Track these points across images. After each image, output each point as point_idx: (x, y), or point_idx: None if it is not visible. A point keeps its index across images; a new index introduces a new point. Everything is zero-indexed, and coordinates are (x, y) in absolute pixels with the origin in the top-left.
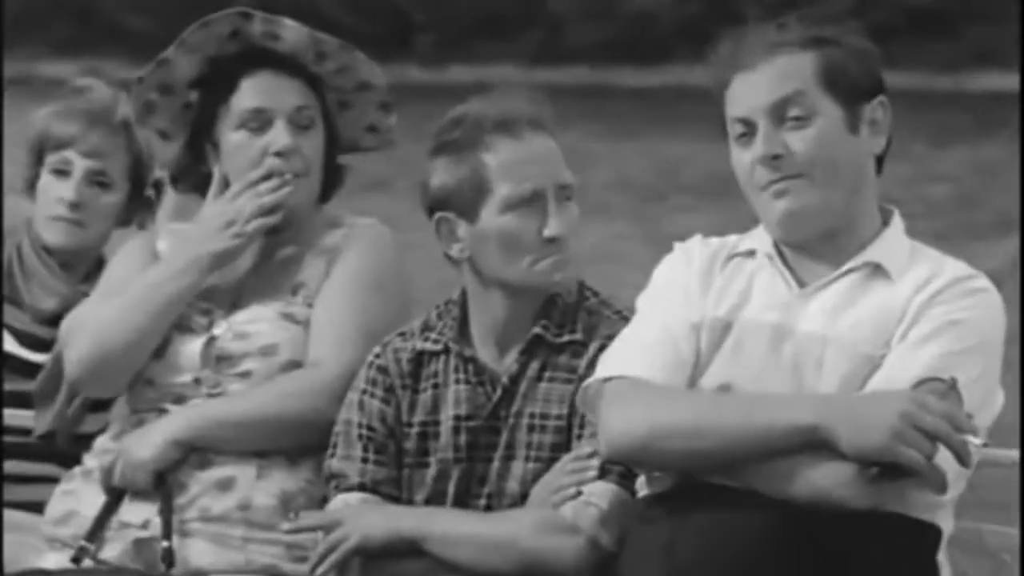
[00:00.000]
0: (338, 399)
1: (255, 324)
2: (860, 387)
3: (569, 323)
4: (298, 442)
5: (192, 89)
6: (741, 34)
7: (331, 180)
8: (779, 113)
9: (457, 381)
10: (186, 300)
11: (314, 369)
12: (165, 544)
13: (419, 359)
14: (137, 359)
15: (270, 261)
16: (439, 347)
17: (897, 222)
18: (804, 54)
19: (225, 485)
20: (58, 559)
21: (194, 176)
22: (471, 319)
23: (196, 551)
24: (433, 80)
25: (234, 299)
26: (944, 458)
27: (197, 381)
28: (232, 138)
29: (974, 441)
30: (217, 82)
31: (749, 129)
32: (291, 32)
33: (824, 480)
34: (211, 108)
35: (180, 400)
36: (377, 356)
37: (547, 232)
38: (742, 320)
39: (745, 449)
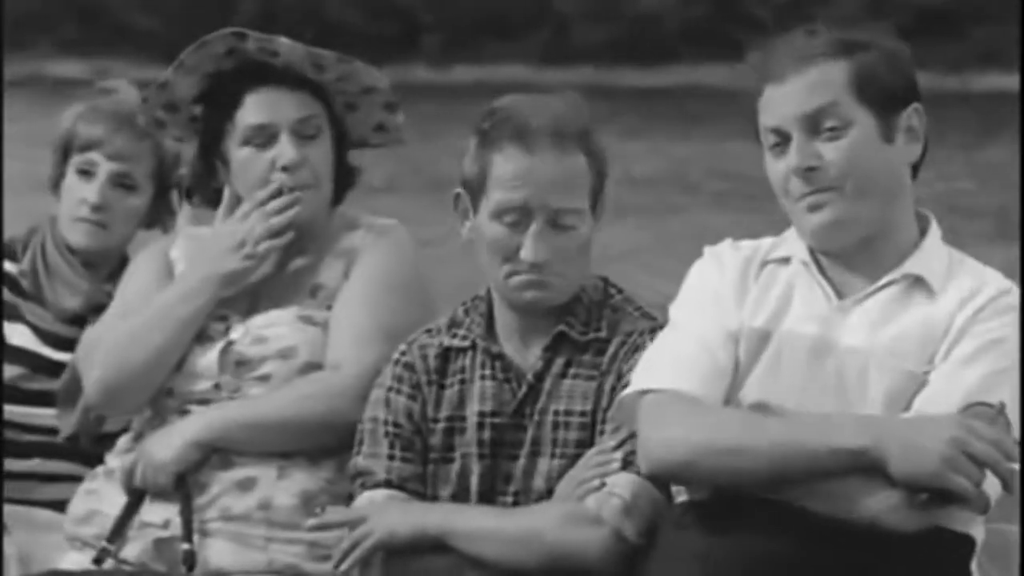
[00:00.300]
0: (357, 401)
1: (273, 328)
2: (905, 405)
3: (594, 321)
4: (317, 444)
5: (196, 104)
6: (771, 43)
7: (343, 181)
8: (813, 124)
9: (483, 377)
10: (200, 321)
11: (333, 372)
12: (186, 546)
13: (446, 355)
14: (154, 380)
15: (287, 265)
16: (466, 343)
17: (935, 230)
18: (836, 63)
19: (246, 485)
20: (79, 559)
21: (206, 190)
22: (496, 316)
23: (217, 551)
24: (439, 80)
25: (251, 304)
26: (990, 483)
27: (217, 387)
28: (239, 154)
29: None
30: (220, 97)
31: (782, 139)
32: (286, 48)
33: (875, 505)
34: (216, 124)
35: (202, 405)
36: (403, 353)
37: (522, 254)
38: (781, 331)
39: (791, 470)
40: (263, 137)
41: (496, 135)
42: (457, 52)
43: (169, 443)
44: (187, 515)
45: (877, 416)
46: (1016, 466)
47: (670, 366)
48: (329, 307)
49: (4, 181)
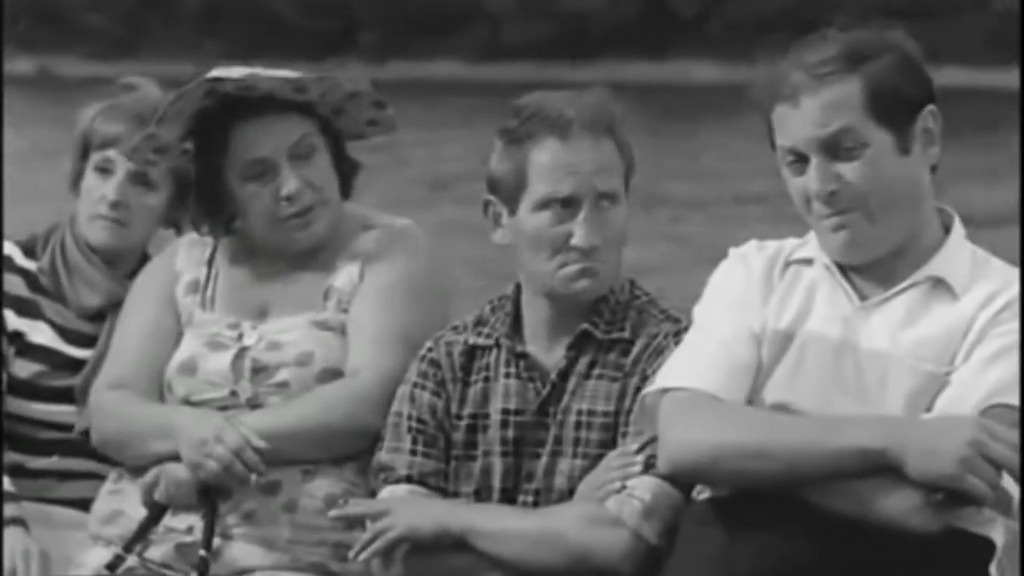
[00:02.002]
0: (378, 407)
1: (288, 333)
2: (926, 405)
3: (618, 321)
4: (339, 452)
5: (184, 142)
6: (780, 59)
7: (347, 176)
8: (830, 147)
9: (507, 376)
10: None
11: (353, 378)
12: (202, 553)
13: (471, 353)
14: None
15: (299, 268)
16: (491, 341)
17: (958, 228)
18: (849, 80)
19: (270, 489)
20: (104, 555)
21: (216, 223)
22: (524, 314)
23: (243, 552)
24: (376, 76)
25: (261, 309)
26: (1011, 481)
27: (234, 394)
28: (243, 191)
29: None
30: (209, 135)
31: (799, 158)
32: (265, 82)
33: (895, 506)
34: (211, 160)
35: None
36: (429, 350)
37: (574, 241)
38: (803, 333)
39: (810, 471)
40: (262, 169)
41: (530, 130)
42: (393, 49)
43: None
44: (209, 523)
45: (895, 417)
46: None
47: (692, 365)
48: (344, 310)
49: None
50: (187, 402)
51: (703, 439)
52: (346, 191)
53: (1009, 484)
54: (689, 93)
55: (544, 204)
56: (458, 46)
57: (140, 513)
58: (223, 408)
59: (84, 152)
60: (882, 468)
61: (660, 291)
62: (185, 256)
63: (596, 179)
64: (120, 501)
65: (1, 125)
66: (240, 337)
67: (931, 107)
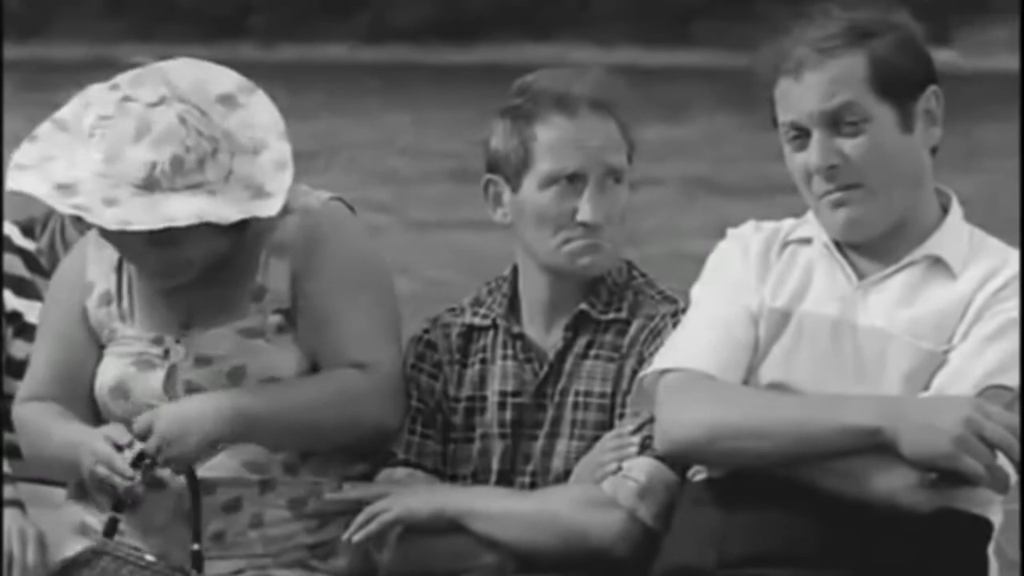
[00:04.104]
0: (387, 402)
1: (215, 347)
2: (924, 384)
3: (616, 301)
4: (339, 444)
5: None
6: (784, 32)
7: None
8: (832, 121)
9: (504, 357)
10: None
11: (360, 373)
12: (195, 547)
13: (468, 334)
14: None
15: (219, 269)
16: (487, 322)
17: (956, 209)
18: (853, 55)
19: (232, 507)
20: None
21: None
22: (521, 295)
23: (219, 567)
24: (266, 59)
25: (184, 319)
26: (1007, 461)
27: (150, 465)
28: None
29: None
30: None
31: (801, 133)
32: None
33: (892, 484)
34: None
35: None
36: (426, 331)
37: (580, 216)
38: (801, 312)
39: (805, 450)
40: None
41: (532, 108)
42: (283, 31)
43: (185, 439)
44: (196, 516)
45: (890, 396)
46: None
47: (689, 346)
48: (277, 311)
49: None
50: (127, 423)
51: (699, 418)
52: None
53: (1005, 464)
54: None
55: (550, 180)
56: (346, 30)
57: (99, 524)
58: None
59: None
60: (877, 447)
61: None
62: (95, 263)
63: (603, 155)
64: (82, 511)
65: (1, 112)
66: (167, 354)
67: (934, 87)
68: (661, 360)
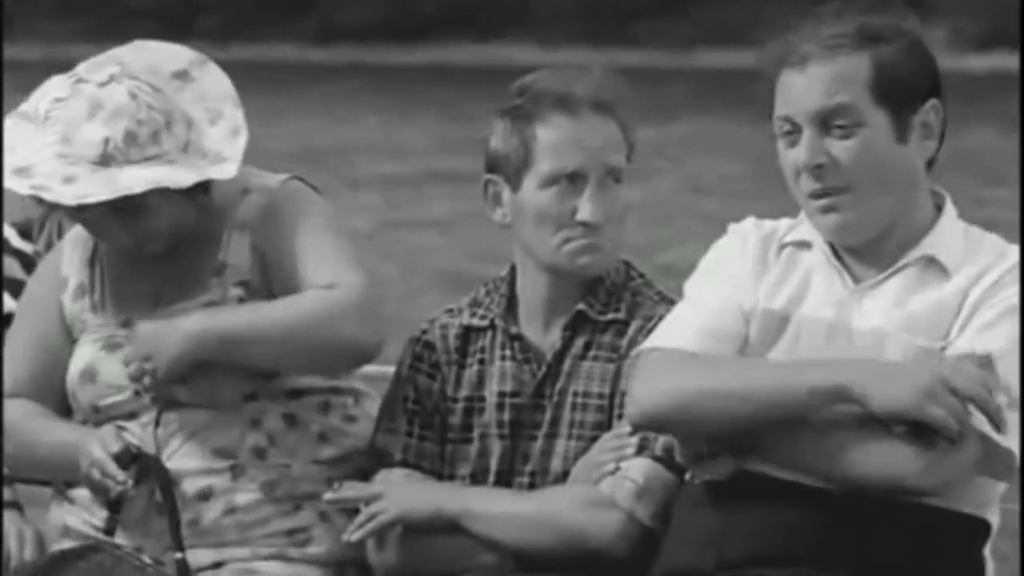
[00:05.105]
0: (362, 318)
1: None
2: None
3: (614, 302)
4: (312, 363)
5: None
6: (794, 26)
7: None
8: (824, 120)
9: (503, 358)
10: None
11: (333, 288)
12: (178, 556)
13: (466, 335)
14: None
15: (183, 247)
16: (485, 323)
17: (949, 209)
18: (858, 56)
19: (203, 496)
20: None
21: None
22: (519, 296)
23: (197, 558)
24: (217, 58)
25: (152, 299)
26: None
27: (137, 394)
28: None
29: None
30: None
31: (794, 128)
32: None
33: (889, 464)
34: None
35: (132, 416)
36: (424, 332)
37: (580, 215)
38: (799, 316)
39: (774, 413)
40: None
41: (532, 108)
42: (233, 31)
43: (159, 355)
44: (175, 524)
45: (859, 357)
46: (1006, 402)
47: (675, 329)
48: (238, 283)
49: None
50: (93, 409)
51: (667, 386)
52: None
53: (1009, 445)
54: (513, 75)
55: (551, 180)
56: (296, 30)
57: (83, 527)
58: (133, 414)
59: None
60: (846, 402)
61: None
62: (69, 258)
63: (603, 155)
64: (64, 513)
65: (1, 109)
66: None
67: (934, 101)
68: (647, 342)
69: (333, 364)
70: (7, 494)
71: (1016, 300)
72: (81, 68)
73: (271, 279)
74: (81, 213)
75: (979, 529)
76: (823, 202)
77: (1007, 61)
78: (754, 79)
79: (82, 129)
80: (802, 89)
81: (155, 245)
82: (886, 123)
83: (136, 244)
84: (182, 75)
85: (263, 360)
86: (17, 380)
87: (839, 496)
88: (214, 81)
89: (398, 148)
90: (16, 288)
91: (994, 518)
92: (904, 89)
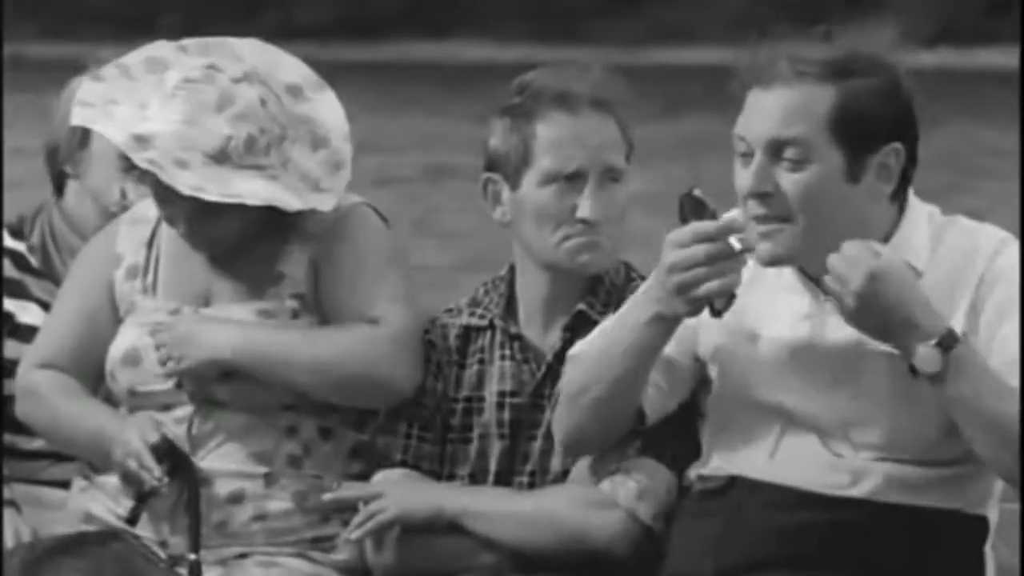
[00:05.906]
0: (398, 357)
1: None
2: (909, 377)
3: (614, 302)
4: (341, 397)
5: None
6: (770, 41)
7: None
8: (776, 150)
9: (503, 358)
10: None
11: (375, 325)
12: (192, 557)
13: (466, 335)
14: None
15: (244, 252)
16: (484, 322)
17: (913, 204)
18: (823, 88)
19: (235, 499)
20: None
21: None
22: (518, 295)
23: (221, 553)
24: None
25: (204, 295)
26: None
27: (179, 386)
28: None
29: (735, 246)
30: None
31: (748, 149)
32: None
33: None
34: None
35: (167, 408)
36: (427, 332)
37: (580, 213)
38: (769, 334)
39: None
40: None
41: (532, 106)
42: (192, 31)
43: (189, 349)
44: (195, 525)
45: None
46: (734, 243)
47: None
48: (294, 296)
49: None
50: (131, 393)
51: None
52: None
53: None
54: (467, 71)
55: (550, 178)
56: (255, 29)
57: (106, 515)
58: (168, 406)
59: (85, 131)
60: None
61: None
62: (126, 237)
63: (603, 154)
64: (90, 500)
65: (1, 113)
66: None
67: (896, 145)
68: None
69: (366, 401)
70: (4, 493)
71: (1008, 293)
72: (193, 47)
73: (321, 297)
74: (157, 186)
75: (978, 527)
76: (763, 228)
77: (953, 58)
78: (727, 78)
79: (207, 119)
80: (762, 112)
81: (211, 248)
82: (840, 161)
83: (191, 240)
84: (295, 90)
85: (295, 386)
86: (57, 351)
87: (836, 502)
88: (329, 109)
89: (357, 144)
90: (8, 287)
91: (993, 516)
92: (864, 129)
